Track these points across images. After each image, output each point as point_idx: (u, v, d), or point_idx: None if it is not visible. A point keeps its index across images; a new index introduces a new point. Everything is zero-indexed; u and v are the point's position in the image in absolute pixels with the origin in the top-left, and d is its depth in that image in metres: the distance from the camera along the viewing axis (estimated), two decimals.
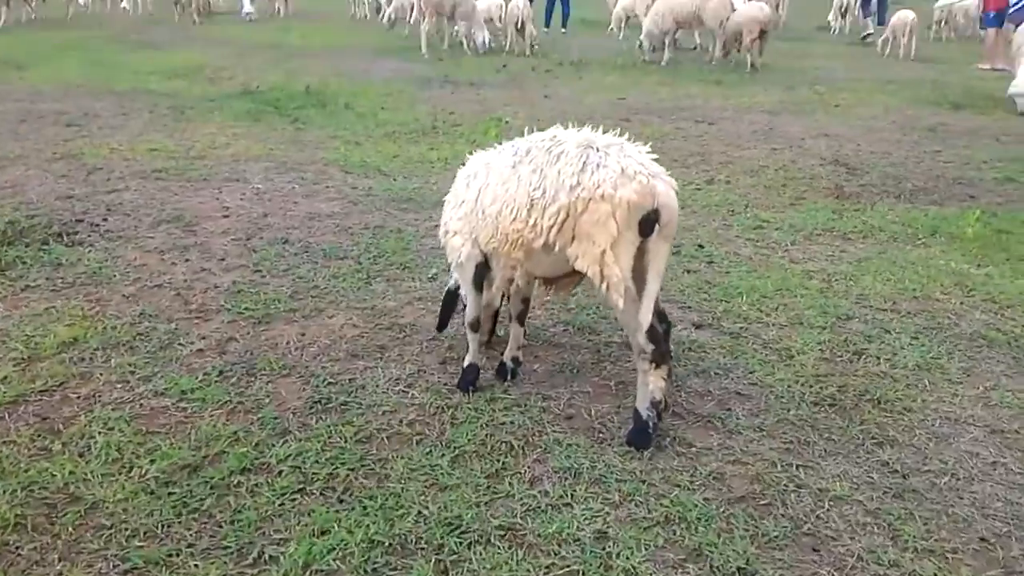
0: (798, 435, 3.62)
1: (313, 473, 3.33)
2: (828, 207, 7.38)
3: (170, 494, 3.20)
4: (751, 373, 4.16)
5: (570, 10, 23.40)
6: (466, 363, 3.94)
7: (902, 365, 4.30)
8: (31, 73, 13.81)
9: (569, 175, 3.22)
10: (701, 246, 6.17)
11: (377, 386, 3.97)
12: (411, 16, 19.75)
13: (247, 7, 25.05)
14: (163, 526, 3.04)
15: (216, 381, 4.01)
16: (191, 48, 17.82)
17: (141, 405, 3.82)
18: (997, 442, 3.66)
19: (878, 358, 4.38)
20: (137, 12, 26.97)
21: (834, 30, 24.54)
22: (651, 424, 3.43)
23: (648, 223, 3.23)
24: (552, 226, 3.27)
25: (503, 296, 3.97)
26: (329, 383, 4.00)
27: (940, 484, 3.34)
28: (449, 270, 4.29)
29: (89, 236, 5.98)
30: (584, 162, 3.22)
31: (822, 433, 3.65)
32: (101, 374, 4.06)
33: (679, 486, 3.24)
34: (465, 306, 4.16)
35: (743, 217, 6.98)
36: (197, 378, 4.03)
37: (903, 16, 18.91)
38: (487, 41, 18.00)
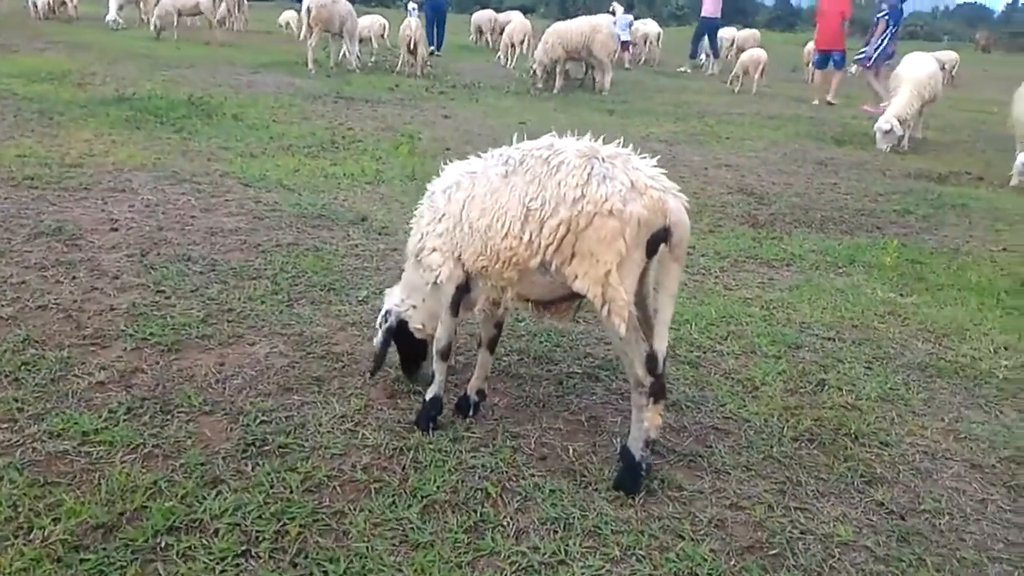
0: (788, 474, 3.38)
1: (257, 531, 2.82)
2: (747, 235, 7.35)
3: (82, 561, 2.62)
4: (723, 406, 3.91)
5: (444, 34, 23.48)
6: (429, 396, 3.50)
7: (865, 396, 4.17)
8: None
9: (572, 187, 2.87)
10: None
11: (320, 424, 3.47)
12: (177, 22, 21.33)
13: (112, 14, 23.49)
14: None
15: (124, 419, 3.41)
16: (54, 52, 16.45)
17: (34, 449, 3.19)
18: (979, 478, 3.53)
19: (840, 388, 4.23)
20: None
21: (706, 68, 25.40)
22: (644, 466, 3.10)
23: (656, 241, 2.92)
24: (551, 243, 2.91)
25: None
26: (262, 421, 3.47)
27: (940, 525, 3.17)
28: (382, 294, 3.85)
29: None
30: (589, 173, 2.88)
31: (810, 472, 3.42)
32: None
33: (681, 536, 2.92)
34: (402, 344, 3.74)
35: None
36: (100, 416, 3.42)
37: (754, 54, 20.09)
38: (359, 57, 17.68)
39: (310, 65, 16.48)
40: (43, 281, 4.77)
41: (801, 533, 3.02)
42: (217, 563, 2.66)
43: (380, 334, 3.69)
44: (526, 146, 3.10)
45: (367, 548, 2.76)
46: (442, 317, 3.42)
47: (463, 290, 3.32)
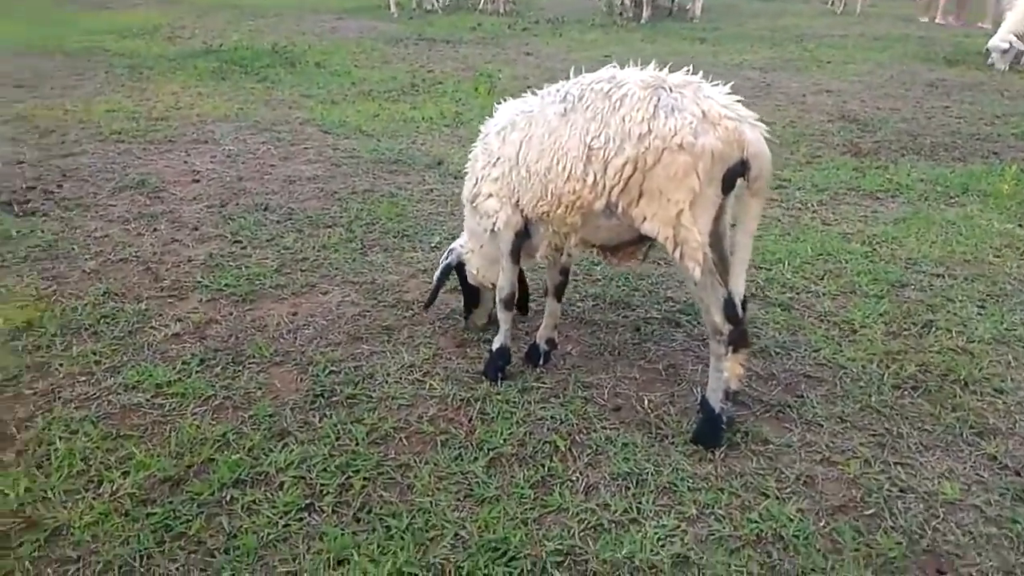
0: (887, 426, 3.11)
1: (322, 484, 2.76)
2: (848, 165, 6.86)
3: (149, 516, 2.61)
4: (816, 351, 3.64)
5: None
6: (496, 345, 3.37)
7: (978, 338, 3.81)
8: None
9: (638, 121, 2.63)
10: None
11: (388, 375, 3.39)
12: None
13: None
14: (142, 557, 2.46)
15: (197, 371, 3.41)
16: (145, 7, 16.79)
17: (109, 402, 3.21)
18: None
19: (949, 330, 3.88)
20: None
21: None
22: (723, 418, 2.89)
23: (733, 176, 2.67)
24: (616, 184, 2.69)
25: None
26: (331, 372, 3.41)
27: None
28: (452, 239, 3.71)
29: (43, 204, 5.28)
30: (655, 105, 2.64)
31: (913, 423, 3.14)
32: (61, 365, 3.44)
33: (765, 494, 2.71)
34: (462, 284, 3.61)
35: None
36: (174, 368, 3.42)
37: None
38: None
39: (392, 8, 16.34)
40: (125, 234, 4.83)
41: (901, 491, 2.76)
42: (281, 517, 2.62)
43: (439, 269, 3.58)
44: (585, 80, 2.86)
45: (431, 503, 2.67)
46: (503, 265, 3.26)
47: (522, 236, 3.14)
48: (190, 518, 2.61)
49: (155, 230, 4.89)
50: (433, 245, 4.74)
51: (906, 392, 3.34)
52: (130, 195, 5.49)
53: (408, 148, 6.84)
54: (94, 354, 3.52)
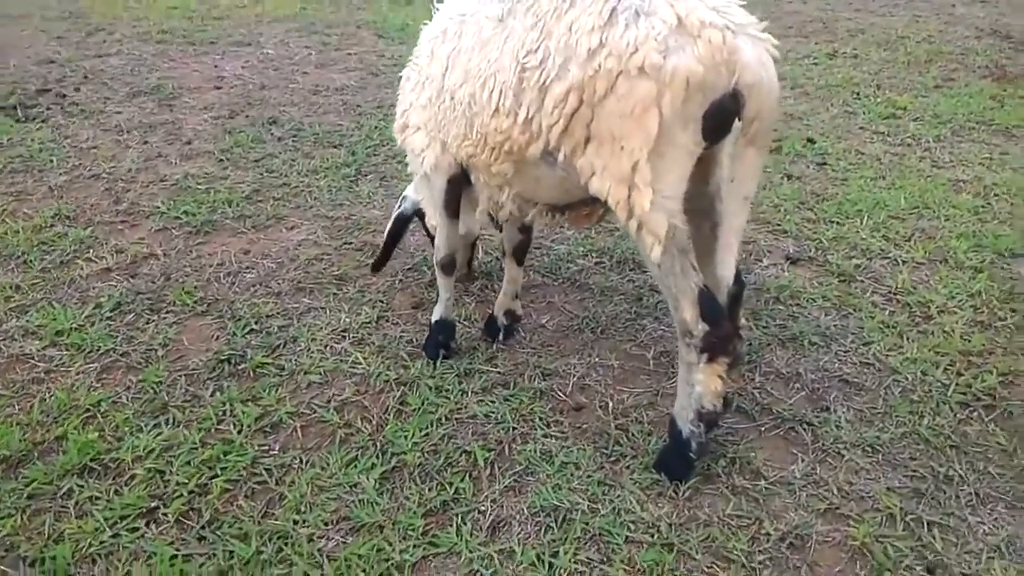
0: (935, 465, 2.28)
1: (177, 485, 2.23)
2: (985, 91, 5.65)
3: None
4: (866, 345, 2.79)
5: None
6: (435, 317, 2.71)
7: None
8: None
9: (587, 30, 1.86)
10: (812, 140, 4.67)
11: (313, 340, 2.80)
12: None
13: None
14: None
15: (106, 318, 2.93)
16: None
17: (1, 349, 2.78)
18: None
19: None
20: None
21: None
22: (693, 445, 2.14)
23: (720, 115, 1.86)
24: (555, 122, 1.94)
25: (492, 220, 2.68)
26: (251, 330, 2.86)
27: None
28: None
29: (48, 110, 4.92)
30: (614, 8, 1.85)
31: (974, 462, 2.30)
32: None
33: (731, 560, 1.98)
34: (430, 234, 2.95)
35: (872, 102, 5.36)
36: (83, 313, 2.95)
37: None
38: None
39: None
40: (114, 145, 4.40)
41: (927, 571, 1.96)
42: (114, 523, 2.11)
43: (391, 220, 2.92)
44: None
45: (294, 526, 2.09)
46: (438, 219, 2.56)
47: (458, 183, 2.42)
48: (12, 512, 2.15)
49: (145, 143, 4.44)
50: None
51: (975, 414, 2.47)
52: (140, 102, 5.06)
53: None
54: (12, 288, 3.10)
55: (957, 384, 2.59)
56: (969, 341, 2.81)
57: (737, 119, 1.90)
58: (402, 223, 2.91)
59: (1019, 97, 5.55)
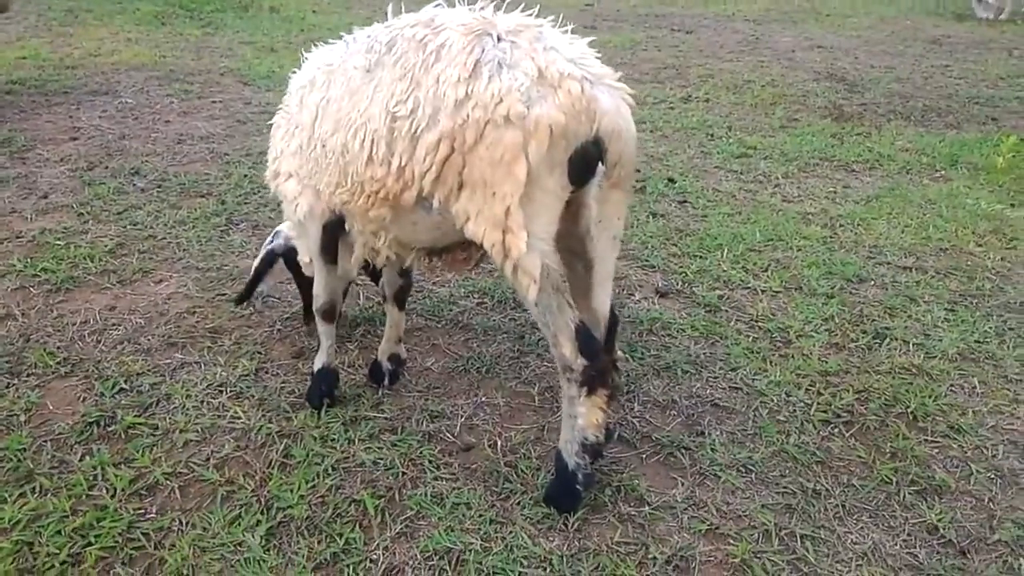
0: (803, 480, 2.42)
1: (47, 556, 2.10)
2: (826, 130, 6.11)
3: None
4: (733, 371, 2.94)
5: None
6: (316, 365, 2.68)
7: (939, 353, 3.11)
8: None
9: (453, 82, 1.93)
10: (672, 180, 4.91)
11: (188, 397, 2.71)
12: None
13: None
14: None
15: None
16: None
17: None
18: None
19: (905, 342, 3.19)
20: None
21: None
22: (579, 477, 2.20)
23: (584, 160, 1.96)
24: (428, 169, 1.98)
25: (369, 268, 2.69)
26: (121, 390, 2.74)
27: (1020, 568, 2.17)
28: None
29: None
30: (477, 60, 1.92)
31: (838, 476, 2.46)
32: None
33: None
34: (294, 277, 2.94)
35: (725, 143, 5.69)
36: None
37: None
38: None
39: None
40: None
41: None
42: None
43: (260, 255, 2.90)
44: (399, 22, 2.15)
45: None
46: (315, 265, 2.56)
47: (334, 229, 2.43)
48: None
49: None
50: None
51: (836, 430, 2.65)
52: None
53: None
54: None
55: (818, 403, 2.77)
56: (826, 362, 3.02)
57: (600, 163, 2.00)
58: (271, 258, 2.88)
59: (856, 134, 6.03)
